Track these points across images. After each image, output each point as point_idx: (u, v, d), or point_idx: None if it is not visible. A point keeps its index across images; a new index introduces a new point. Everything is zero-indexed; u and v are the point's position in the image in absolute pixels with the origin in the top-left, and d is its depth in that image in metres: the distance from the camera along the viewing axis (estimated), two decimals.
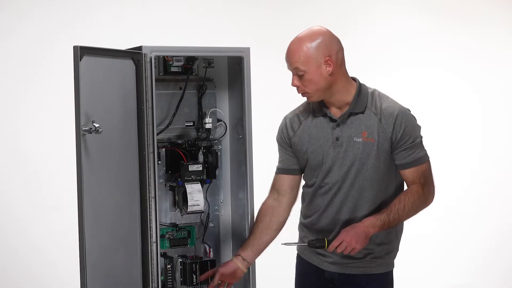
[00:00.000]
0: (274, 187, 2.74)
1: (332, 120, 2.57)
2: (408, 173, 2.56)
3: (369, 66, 4.84)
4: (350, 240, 2.45)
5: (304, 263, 2.74)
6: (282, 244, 2.68)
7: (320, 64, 2.48)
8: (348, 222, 2.56)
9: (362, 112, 2.54)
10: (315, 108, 2.62)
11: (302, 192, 2.74)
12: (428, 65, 5.14)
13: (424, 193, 2.54)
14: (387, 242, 2.61)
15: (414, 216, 2.55)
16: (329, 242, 2.52)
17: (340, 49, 2.53)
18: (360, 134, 2.53)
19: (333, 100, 2.56)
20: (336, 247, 2.48)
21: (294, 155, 2.68)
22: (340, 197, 2.58)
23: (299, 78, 2.51)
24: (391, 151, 2.55)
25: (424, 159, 2.56)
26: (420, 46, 5.13)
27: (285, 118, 2.72)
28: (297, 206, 2.81)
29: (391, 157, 2.56)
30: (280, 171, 2.73)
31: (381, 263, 2.62)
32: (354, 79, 2.60)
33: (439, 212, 5.03)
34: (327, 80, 2.50)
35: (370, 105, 2.55)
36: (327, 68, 2.49)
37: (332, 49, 2.50)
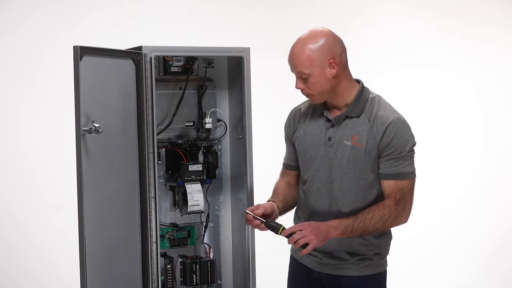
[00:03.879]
0: (285, 175, 2.73)
1: (327, 120, 2.57)
2: (386, 184, 2.50)
3: (369, 66, 4.84)
4: (310, 231, 2.39)
5: (296, 263, 2.73)
6: (243, 210, 2.56)
7: (324, 67, 2.47)
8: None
9: (358, 117, 2.52)
10: (315, 106, 2.62)
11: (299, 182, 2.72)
12: (428, 65, 5.14)
13: (397, 209, 2.46)
14: (375, 243, 2.58)
15: (382, 229, 2.49)
16: (283, 230, 2.42)
17: (343, 50, 2.52)
18: (350, 138, 2.51)
19: (334, 101, 2.55)
20: (293, 236, 2.39)
21: (295, 150, 2.68)
22: (326, 199, 2.56)
23: (303, 81, 2.50)
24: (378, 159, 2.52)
25: (406, 176, 2.48)
26: (420, 46, 5.13)
27: (290, 111, 2.73)
28: None
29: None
30: (285, 166, 2.74)
31: (369, 265, 2.58)
32: (358, 81, 2.58)
33: (440, 212, 5.04)
34: (331, 82, 2.49)
35: (367, 110, 2.52)
36: (331, 70, 2.47)
37: (335, 51, 2.47)
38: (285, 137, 2.73)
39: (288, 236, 2.41)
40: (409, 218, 2.53)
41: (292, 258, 2.77)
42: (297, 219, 2.72)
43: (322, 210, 2.57)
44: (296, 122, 2.67)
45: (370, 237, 2.55)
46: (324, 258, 2.60)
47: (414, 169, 2.53)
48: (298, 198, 2.70)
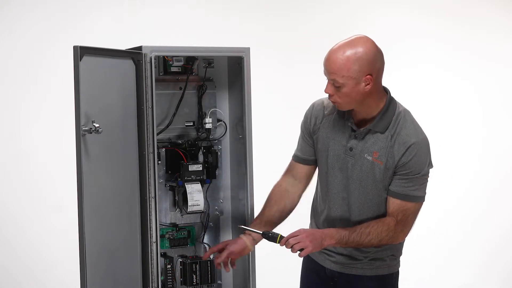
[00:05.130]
0: (291, 173, 2.70)
1: (352, 129, 2.52)
2: (391, 202, 2.48)
3: None
4: (305, 236, 2.41)
5: (310, 260, 2.74)
6: (238, 226, 2.64)
7: (359, 81, 2.38)
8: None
9: (382, 133, 2.47)
10: (340, 112, 2.55)
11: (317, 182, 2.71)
12: (428, 65, 5.14)
13: (395, 230, 2.45)
14: (388, 247, 2.58)
15: (377, 246, 2.49)
16: (282, 238, 2.47)
17: (382, 65, 2.43)
18: (371, 153, 2.47)
19: (361, 111, 2.49)
20: (288, 240, 2.42)
21: (313, 145, 2.65)
22: (341, 207, 2.57)
23: (335, 88, 2.41)
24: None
25: (414, 199, 2.46)
26: (420, 46, 5.13)
27: (312, 105, 2.66)
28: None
29: None
30: (296, 158, 2.69)
31: (382, 265, 2.61)
32: (386, 90, 2.52)
33: (440, 212, 5.04)
34: (363, 96, 2.42)
35: (392, 127, 2.46)
36: (366, 86, 2.39)
37: (374, 65, 2.39)
38: (302, 129, 2.68)
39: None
40: (406, 238, 2.54)
41: (306, 255, 2.78)
42: (312, 222, 2.74)
43: (335, 216, 2.58)
44: (318, 121, 2.60)
45: (385, 247, 2.56)
46: (339, 257, 2.62)
47: (424, 193, 2.49)
48: (315, 201, 2.71)
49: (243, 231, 2.65)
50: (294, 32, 4.71)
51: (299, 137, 2.70)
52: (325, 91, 2.46)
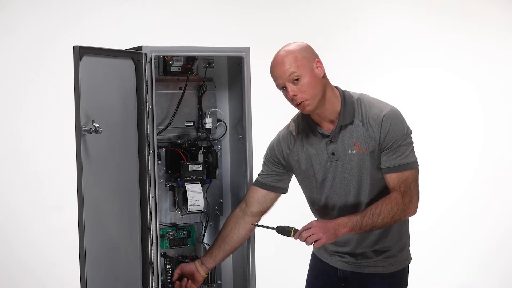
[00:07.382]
0: (245, 197, 2.75)
1: (324, 136, 2.56)
2: (389, 178, 2.51)
3: (369, 66, 4.85)
4: (318, 229, 2.43)
5: (319, 261, 2.76)
6: (252, 224, 2.70)
7: (312, 67, 2.47)
8: None
9: (351, 123, 2.52)
10: (305, 127, 2.60)
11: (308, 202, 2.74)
12: (428, 65, 5.14)
13: (404, 202, 2.47)
14: (399, 239, 2.62)
15: (390, 223, 2.49)
16: (296, 232, 2.50)
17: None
18: (353, 146, 2.51)
19: (325, 110, 2.53)
20: (301, 234, 2.45)
21: (285, 171, 2.68)
22: (344, 211, 2.58)
23: (295, 85, 2.47)
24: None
25: (408, 166, 2.50)
26: (420, 46, 5.13)
27: (278, 135, 2.71)
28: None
29: None
30: (256, 183, 2.73)
31: (394, 262, 2.63)
32: (336, 87, 2.58)
33: (440, 211, 5.04)
34: (322, 82, 2.48)
35: (357, 114, 2.52)
36: (318, 69, 2.48)
37: (316, 54, 2.51)
38: (268, 160, 2.71)
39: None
40: (417, 210, 2.54)
41: (314, 256, 2.80)
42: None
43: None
44: (291, 146, 2.65)
45: (395, 234, 2.58)
46: (351, 257, 2.64)
47: (415, 158, 2.53)
48: (315, 216, 2.73)
49: (198, 259, 2.79)
50: (294, 32, 4.71)
51: (262, 165, 2.74)
52: (289, 95, 2.49)
